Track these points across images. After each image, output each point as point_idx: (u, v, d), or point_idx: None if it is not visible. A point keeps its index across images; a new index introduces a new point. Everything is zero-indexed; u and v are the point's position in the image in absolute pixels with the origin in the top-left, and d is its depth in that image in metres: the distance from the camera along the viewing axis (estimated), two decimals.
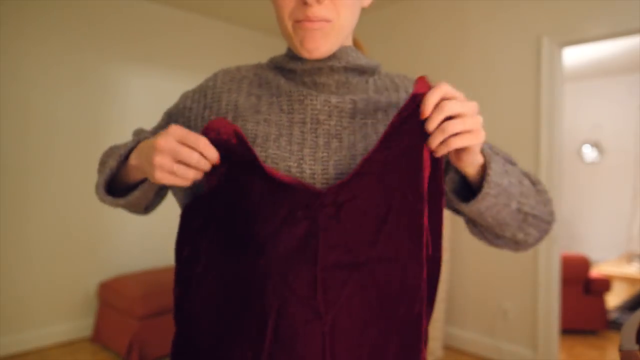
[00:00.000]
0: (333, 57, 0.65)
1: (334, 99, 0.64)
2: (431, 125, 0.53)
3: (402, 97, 0.69)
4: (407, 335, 0.57)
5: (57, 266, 3.03)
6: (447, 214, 2.95)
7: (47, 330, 3.00)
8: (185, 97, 0.72)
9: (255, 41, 3.95)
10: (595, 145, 6.08)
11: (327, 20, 0.60)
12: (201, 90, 0.70)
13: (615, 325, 3.58)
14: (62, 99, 3.04)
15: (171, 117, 0.73)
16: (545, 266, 2.66)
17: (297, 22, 0.61)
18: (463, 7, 3.05)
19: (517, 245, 0.68)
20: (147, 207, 0.77)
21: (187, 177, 0.56)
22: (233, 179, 0.58)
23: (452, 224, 3.01)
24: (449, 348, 3.05)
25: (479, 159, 0.58)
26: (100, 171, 0.72)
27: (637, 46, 4.49)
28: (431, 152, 0.56)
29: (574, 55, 4.83)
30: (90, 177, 3.17)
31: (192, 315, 0.60)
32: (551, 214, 0.68)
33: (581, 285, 3.33)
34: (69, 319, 3.10)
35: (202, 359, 0.59)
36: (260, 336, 0.55)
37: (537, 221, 0.65)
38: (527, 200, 0.63)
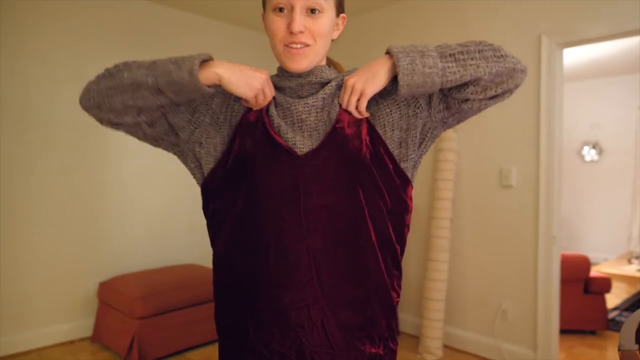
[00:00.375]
0: (311, 74, 0.90)
1: (310, 100, 0.89)
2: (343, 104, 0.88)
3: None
4: (368, 257, 0.86)
5: (57, 266, 3.03)
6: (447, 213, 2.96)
7: (47, 330, 3.00)
8: None
9: (255, 41, 3.95)
10: (595, 145, 6.08)
11: (307, 45, 0.87)
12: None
13: (615, 325, 3.58)
14: (61, 99, 3.04)
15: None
16: (545, 266, 2.66)
17: (286, 46, 0.87)
18: (463, 7, 3.05)
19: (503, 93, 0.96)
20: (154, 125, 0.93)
21: (262, 105, 0.90)
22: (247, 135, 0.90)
23: (452, 224, 3.01)
24: (449, 348, 3.05)
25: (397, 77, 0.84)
26: (154, 68, 0.84)
27: (637, 46, 4.49)
28: (368, 122, 0.89)
29: (574, 55, 4.83)
30: (90, 176, 3.17)
31: (220, 248, 0.92)
32: (510, 64, 0.95)
33: (581, 285, 3.33)
34: (69, 319, 3.10)
35: (230, 275, 0.91)
36: (266, 252, 0.85)
37: (487, 70, 0.89)
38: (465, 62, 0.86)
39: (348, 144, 0.85)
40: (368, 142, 0.87)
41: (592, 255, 5.92)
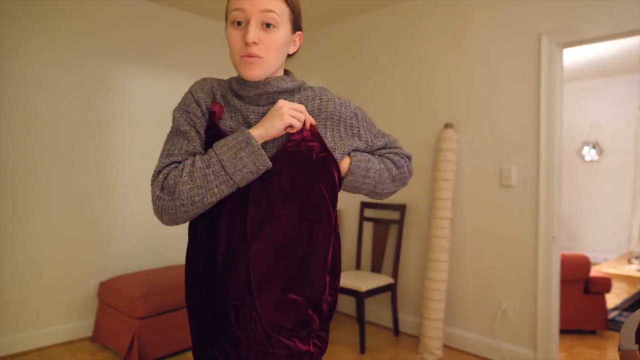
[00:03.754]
0: (267, 84, 0.97)
1: (265, 109, 0.98)
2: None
3: (317, 103, 1.01)
4: (304, 268, 0.96)
5: (57, 266, 3.04)
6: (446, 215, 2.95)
7: (47, 330, 3.00)
8: (186, 104, 1.02)
9: None
10: (595, 145, 6.08)
11: (259, 57, 0.93)
12: (192, 101, 1.01)
13: (615, 325, 3.58)
14: (61, 98, 3.05)
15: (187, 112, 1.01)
16: (545, 266, 2.66)
17: (241, 56, 0.93)
18: (463, 7, 3.05)
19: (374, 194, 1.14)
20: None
21: (301, 119, 0.95)
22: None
23: (452, 224, 3.01)
24: (449, 348, 3.05)
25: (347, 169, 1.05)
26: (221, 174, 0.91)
27: (637, 46, 4.49)
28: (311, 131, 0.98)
29: (574, 55, 4.83)
30: (89, 176, 3.17)
31: (190, 237, 1.02)
32: (397, 179, 1.14)
33: (581, 285, 3.34)
34: (69, 319, 3.10)
35: (192, 265, 1.01)
36: (217, 251, 0.94)
37: (386, 190, 1.13)
38: (370, 177, 1.08)
39: (299, 156, 0.95)
40: (317, 150, 0.97)
41: (592, 255, 5.93)
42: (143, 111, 3.43)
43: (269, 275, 0.92)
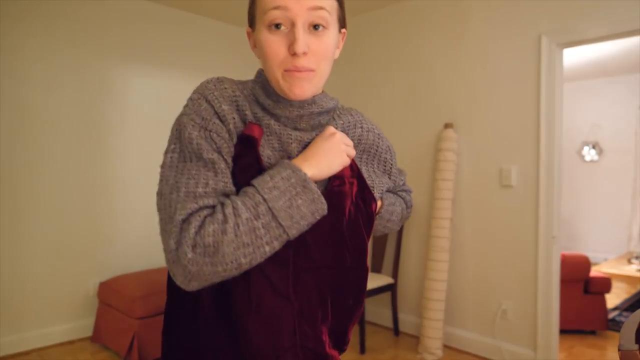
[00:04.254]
0: (314, 103, 0.79)
1: (307, 136, 0.80)
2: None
3: (357, 133, 0.88)
4: (345, 318, 0.84)
5: (57, 266, 3.04)
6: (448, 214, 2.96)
7: (47, 330, 3.00)
8: (195, 115, 0.75)
9: None
10: (595, 145, 6.08)
11: (312, 70, 0.74)
12: (212, 114, 0.75)
13: (615, 325, 3.58)
14: (61, 99, 3.05)
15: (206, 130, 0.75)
16: (545, 266, 2.66)
17: (286, 71, 0.73)
18: (463, 7, 3.05)
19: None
20: None
21: (352, 155, 0.82)
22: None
23: (452, 224, 3.01)
24: (449, 348, 3.05)
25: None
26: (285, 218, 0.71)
27: (637, 46, 4.49)
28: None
29: (574, 55, 4.83)
30: (89, 176, 3.17)
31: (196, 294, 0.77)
32: (404, 218, 1.04)
33: (581, 285, 3.34)
34: (69, 319, 3.10)
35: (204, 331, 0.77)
36: (247, 312, 0.73)
37: (393, 229, 1.03)
38: (392, 221, 0.98)
39: (340, 196, 0.80)
40: (357, 189, 0.84)
41: (592, 255, 5.93)
42: (143, 111, 3.43)
43: (315, 325, 0.78)
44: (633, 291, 4.59)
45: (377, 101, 3.58)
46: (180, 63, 3.64)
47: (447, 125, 3.05)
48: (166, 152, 0.73)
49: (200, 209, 0.67)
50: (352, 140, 0.85)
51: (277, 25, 0.72)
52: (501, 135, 2.86)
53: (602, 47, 4.52)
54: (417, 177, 3.28)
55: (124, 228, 3.34)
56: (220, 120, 0.73)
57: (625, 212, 5.87)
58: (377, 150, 0.91)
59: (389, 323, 3.43)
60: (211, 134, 0.72)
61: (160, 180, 0.72)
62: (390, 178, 0.95)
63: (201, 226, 0.66)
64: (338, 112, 0.86)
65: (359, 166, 0.86)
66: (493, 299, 2.89)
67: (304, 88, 0.74)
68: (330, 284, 0.80)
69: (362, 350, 2.97)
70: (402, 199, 1.02)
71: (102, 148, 3.23)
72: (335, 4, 0.77)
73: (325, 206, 0.74)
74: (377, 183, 0.90)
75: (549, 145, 2.67)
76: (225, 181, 0.71)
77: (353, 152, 0.81)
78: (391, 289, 3.24)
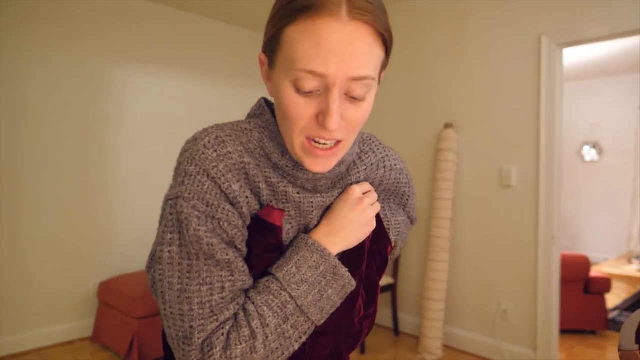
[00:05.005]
0: (340, 163, 0.67)
1: (328, 198, 0.68)
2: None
3: (380, 174, 0.76)
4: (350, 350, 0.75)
5: (57, 266, 3.03)
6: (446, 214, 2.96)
7: (47, 330, 3.00)
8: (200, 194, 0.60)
9: (255, 41, 3.95)
10: (595, 145, 6.08)
11: (339, 141, 0.61)
12: (219, 195, 0.60)
13: (615, 325, 3.58)
14: (61, 99, 3.04)
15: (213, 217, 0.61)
16: (545, 266, 2.66)
17: (307, 139, 0.59)
18: (463, 7, 3.05)
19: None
20: None
21: (377, 210, 0.72)
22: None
23: (452, 224, 3.01)
24: (449, 348, 3.05)
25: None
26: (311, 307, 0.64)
27: (637, 46, 4.49)
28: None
29: (574, 55, 4.83)
30: (89, 176, 3.17)
31: None
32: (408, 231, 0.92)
33: (581, 285, 3.33)
34: (69, 319, 3.10)
35: None
36: None
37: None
38: (397, 254, 0.88)
39: (360, 262, 0.72)
40: (372, 233, 0.75)
41: (592, 255, 5.92)
42: (143, 111, 3.43)
43: None
44: (633, 291, 4.59)
45: (377, 101, 3.57)
46: (180, 63, 3.64)
47: (447, 125, 3.05)
48: (162, 243, 0.59)
49: (222, 324, 0.58)
50: (374, 182, 0.75)
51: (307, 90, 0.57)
52: (501, 135, 2.86)
53: (602, 47, 4.52)
54: (417, 177, 3.28)
55: (124, 228, 3.34)
56: (231, 204, 0.60)
57: (625, 212, 5.86)
58: (397, 187, 0.81)
59: (389, 323, 3.43)
60: (221, 223, 0.58)
61: (160, 280, 0.59)
62: (405, 210, 0.86)
63: (226, 347, 0.57)
64: (359, 152, 0.73)
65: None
66: (493, 299, 2.89)
67: (326, 165, 0.62)
68: (348, 337, 0.73)
69: (362, 350, 2.97)
70: (409, 217, 0.90)
71: (102, 148, 3.23)
72: (381, 56, 0.59)
73: (354, 285, 0.67)
74: (393, 223, 0.80)
75: (549, 145, 2.67)
76: (243, 279, 0.61)
77: (379, 208, 0.72)
78: (391, 289, 3.24)
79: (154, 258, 0.60)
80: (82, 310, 3.15)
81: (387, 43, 0.59)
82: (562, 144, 2.75)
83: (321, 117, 0.57)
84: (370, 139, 0.77)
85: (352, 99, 0.58)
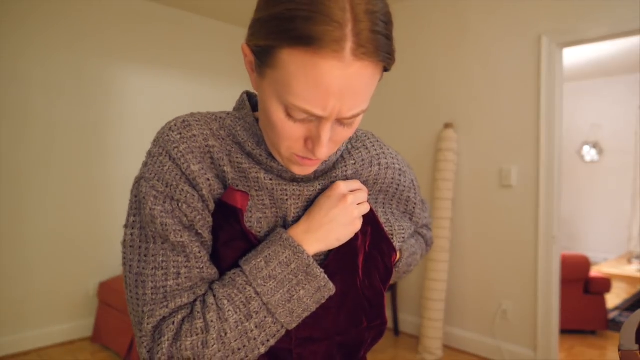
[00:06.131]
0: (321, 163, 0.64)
1: (308, 190, 0.63)
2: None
3: (374, 171, 0.71)
4: None
5: (57, 266, 3.03)
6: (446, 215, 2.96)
7: (47, 330, 3.00)
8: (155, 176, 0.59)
9: None
10: (595, 145, 6.08)
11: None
12: (178, 176, 0.58)
13: (615, 325, 3.58)
14: (61, 99, 3.04)
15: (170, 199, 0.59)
16: (545, 266, 2.66)
17: (295, 155, 0.57)
18: (463, 7, 3.05)
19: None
20: None
21: (366, 210, 0.67)
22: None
23: (452, 224, 3.01)
24: (449, 348, 3.05)
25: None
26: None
27: (637, 46, 4.49)
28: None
29: (574, 55, 4.83)
30: (89, 176, 3.17)
31: None
32: (423, 254, 0.87)
33: (581, 285, 3.34)
34: (69, 319, 3.10)
35: None
36: None
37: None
38: (409, 272, 0.83)
39: (351, 251, 0.68)
40: (371, 238, 0.70)
41: (592, 255, 5.93)
42: (143, 111, 3.43)
43: None
44: (633, 291, 4.59)
45: (377, 101, 3.58)
46: (179, 63, 3.64)
47: (447, 125, 3.05)
48: (126, 225, 0.59)
49: (173, 312, 0.56)
50: (367, 180, 0.70)
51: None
52: (501, 135, 2.86)
53: (602, 47, 4.52)
54: (417, 177, 3.28)
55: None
56: (191, 185, 0.58)
57: (625, 212, 5.87)
58: (397, 189, 0.74)
59: (389, 323, 3.43)
60: (179, 204, 0.57)
61: (124, 263, 0.58)
62: (412, 219, 0.79)
63: (176, 337, 0.54)
64: (349, 148, 0.69)
65: (374, 209, 0.71)
66: (493, 299, 2.89)
67: (309, 170, 0.59)
68: (343, 346, 0.67)
69: None
70: (423, 237, 0.84)
71: (102, 148, 3.23)
72: (380, 74, 0.54)
73: (333, 290, 0.62)
74: (397, 229, 0.74)
75: (549, 145, 2.67)
76: (200, 267, 0.57)
77: (367, 209, 0.67)
78: (391, 289, 3.24)
79: None
80: (82, 310, 3.15)
81: (388, 65, 0.54)
82: (562, 144, 2.75)
83: (310, 143, 0.54)
84: (365, 136, 0.73)
85: (342, 124, 0.55)
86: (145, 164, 0.59)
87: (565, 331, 3.32)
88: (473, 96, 3.00)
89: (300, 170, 0.59)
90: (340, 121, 0.54)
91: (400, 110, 3.43)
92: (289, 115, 0.53)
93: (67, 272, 3.08)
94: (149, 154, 0.59)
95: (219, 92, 3.85)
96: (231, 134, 0.61)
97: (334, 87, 0.49)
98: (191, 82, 3.67)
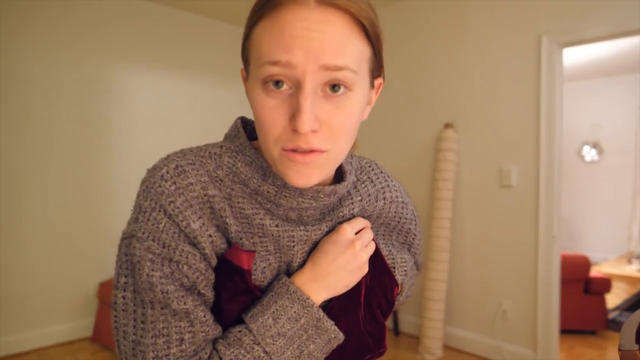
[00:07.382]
0: (332, 194, 0.58)
1: (315, 232, 0.59)
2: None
3: (379, 206, 0.68)
4: None
5: (57, 266, 3.03)
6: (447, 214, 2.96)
7: (47, 330, 3.00)
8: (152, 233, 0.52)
9: None
10: (595, 145, 6.08)
11: (322, 151, 0.51)
12: (177, 235, 0.52)
13: (615, 325, 3.58)
14: (61, 99, 3.04)
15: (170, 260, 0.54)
16: (545, 266, 2.66)
17: (284, 150, 0.50)
18: (463, 7, 3.05)
19: None
20: None
21: (372, 251, 0.64)
22: None
23: (452, 224, 3.01)
24: (449, 348, 3.05)
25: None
26: None
27: (637, 46, 4.49)
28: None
29: (574, 55, 4.83)
30: (89, 176, 3.17)
31: None
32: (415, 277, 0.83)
33: (581, 285, 3.33)
34: (69, 319, 3.10)
35: None
36: None
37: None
38: (410, 294, 0.79)
39: (357, 300, 0.65)
40: (373, 272, 0.68)
41: (592, 255, 5.92)
42: (143, 111, 3.43)
43: None
44: (633, 291, 4.59)
45: (377, 101, 3.57)
46: (179, 63, 3.64)
47: (447, 125, 3.05)
48: (116, 287, 0.53)
49: None
50: (371, 215, 0.67)
51: (277, 83, 0.49)
52: (501, 135, 2.86)
53: (602, 47, 4.51)
54: (417, 177, 3.28)
55: (124, 228, 3.34)
56: (191, 244, 0.52)
57: (625, 212, 5.86)
58: (398, 222, 0.72)
59: (389, 323, 3.43)
60: (179, 266, 0.51)
61: (115, 327, 0.53)
62: (410, 250, 0.76)
63: None
64: (354, 181, 0.65)
65: (376, 242, 0.67)
66: (493, 299, 2.89)
67: (309, 177, 0.51)
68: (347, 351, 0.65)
69: None
70: (415, 262, 0.81)
71: (102, 148, 3.23)
72: (367, 53, 0.52)
73: (342, 339, 0.59)
74: (399, 261, 0.70)
75: (549, 146, 2.67)
76: (205, 330, 0.53)
77: (373, 249, 0.64)
78: None
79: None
80: (82, 310, 3.15)
81: (369, 35, 0.52)
82: (562, 144, 2.75)
83: (293, 121, 0.48)
84: (369, 166, 0.69)
85: (331, 90, 0.49)
86: (135, 220, 0.52)
87: (565, 331, 3.32)
88: (473, 96, 3.00)
89: (297, 179, 0.51)
90: (324, 89, 0.49)
91: (400, 110, 3.43)
92: (266, 90, 0.50)
93: (67, 271, 3.08)
94: (139, 207, 0.52)
95: (219, 92, 3.85)
96: (231, 172, 0.55)
97: (298, 30, 0.47)
98: (191, 82, 3.67)
